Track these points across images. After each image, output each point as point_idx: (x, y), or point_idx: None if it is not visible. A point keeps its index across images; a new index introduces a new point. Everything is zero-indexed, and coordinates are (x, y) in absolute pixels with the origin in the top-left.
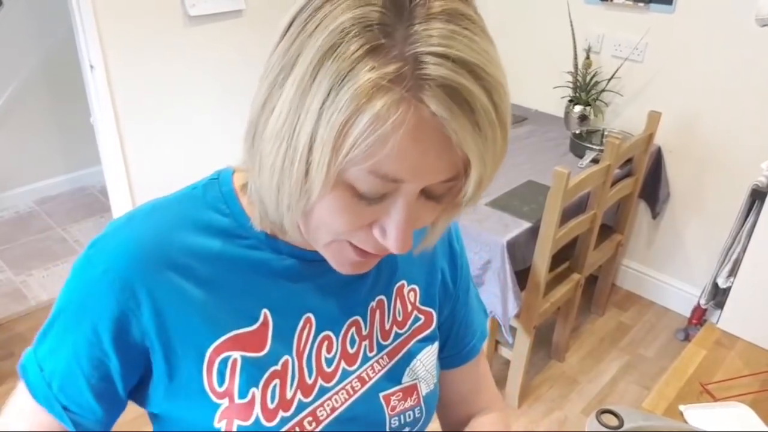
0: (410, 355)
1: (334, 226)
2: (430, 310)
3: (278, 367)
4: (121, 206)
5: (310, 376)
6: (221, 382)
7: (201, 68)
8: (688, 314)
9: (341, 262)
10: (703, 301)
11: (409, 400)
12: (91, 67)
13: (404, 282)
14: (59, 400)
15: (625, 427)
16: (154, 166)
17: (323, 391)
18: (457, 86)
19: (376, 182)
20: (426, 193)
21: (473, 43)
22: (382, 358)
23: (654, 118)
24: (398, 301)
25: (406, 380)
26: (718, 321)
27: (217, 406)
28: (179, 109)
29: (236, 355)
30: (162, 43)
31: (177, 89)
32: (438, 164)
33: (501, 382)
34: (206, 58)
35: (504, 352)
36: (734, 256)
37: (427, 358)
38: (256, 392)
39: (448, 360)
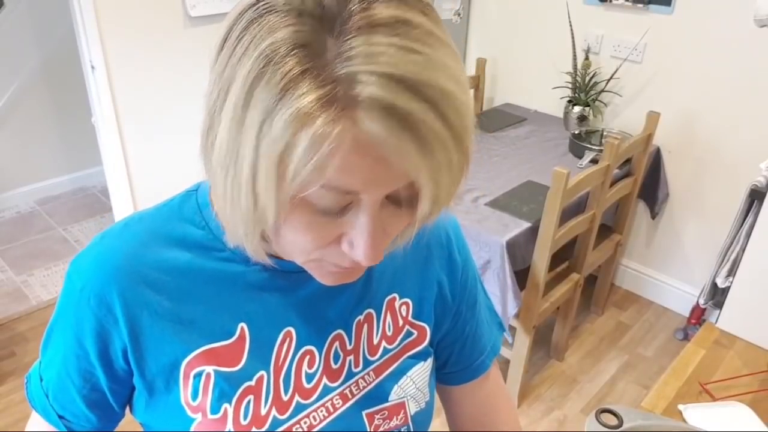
0: (400, 372)
1: (302, 246)
2: (424, 324)
3: (252, 382)
4: (121, 206)
5: (286, 393)
6: (195, 396)
7: (202, 69)
8: (687, 314)
9: (323, 275)
10: (702, 301)
11: (395, 419)
12: (92, 67)
13: (396, 295)
14: (55, 409)
15: (625, 426)
16: (155, 167)
17: (300, 408)
18: (391, 104)
19: (331, 196)
20: (391, 199)
21: (413, 53)
22: (368, 374)
23: (653, 118)
24: (388, 315)
25: (394, 398)
26: (717, 321)
27: (192, 420)
28: (180, 109)
29: (209, 369)
30: (163, 43)
31: (178, 90)
32: (390, 173)
33: None
34: (207, 59)
35: (504, 351)
36: (733, 256)
37: (419, 375)
38: (228, 408)
39: (453, 376)
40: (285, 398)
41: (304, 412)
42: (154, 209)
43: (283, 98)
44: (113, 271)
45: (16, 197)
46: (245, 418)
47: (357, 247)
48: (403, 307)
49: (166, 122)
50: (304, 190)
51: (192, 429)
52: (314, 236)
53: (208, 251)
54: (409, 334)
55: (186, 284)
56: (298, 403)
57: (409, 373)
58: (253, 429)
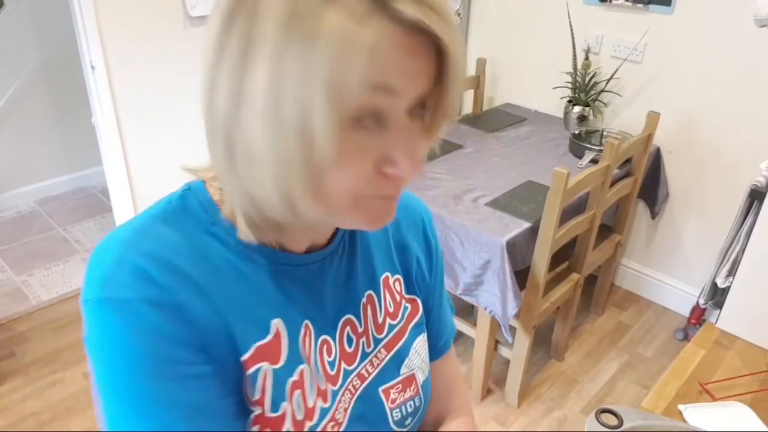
0: (407, 346)
1: (353, 179)
2: (415, 297)
3: (296, 377)
4: (121, 206)
5: (323, 382)
6: (253, 392)
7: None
8: (687, 314)
9: (371, 217)
10: (702, 301)
11: (408, 390)
12: (93, 67)
13: (388, 274)
14: None
15: (625, 426)
16: (155, 167)
17: (335, 394)
18: None
19: (372, 97)
20: (411, 113)
21: None
22: (379, 351)
23: (653, 118)
24: (387, 293)
25: (404, 371)
26: (717, 321)
27: (251, 411)
28: (180, 109)
29: (266, 366)
30: (163, 43)
31: (178, 90)
32: (420, 67)
33: (501, 381)
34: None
35: (504, 351)
36: (733, 256)
37: (421, 346)
38: (286, 406)
39: None
40: (323, 387)
41: (338, 398)
42: (154, 213)
43: (324, 20)
44: (163, 274)
45: (16, 197)
46: (300, 413)
47: (400, 160)
48: (396, 284)
49: (166, 122)
50: (354, 104)
51: (251, 419)
52: (361, 163)
53: (227, 247)
54: (406, 308)
55: (222, 281)
56: (331, 390)
57: (413, 345)
58: (307, 423)
